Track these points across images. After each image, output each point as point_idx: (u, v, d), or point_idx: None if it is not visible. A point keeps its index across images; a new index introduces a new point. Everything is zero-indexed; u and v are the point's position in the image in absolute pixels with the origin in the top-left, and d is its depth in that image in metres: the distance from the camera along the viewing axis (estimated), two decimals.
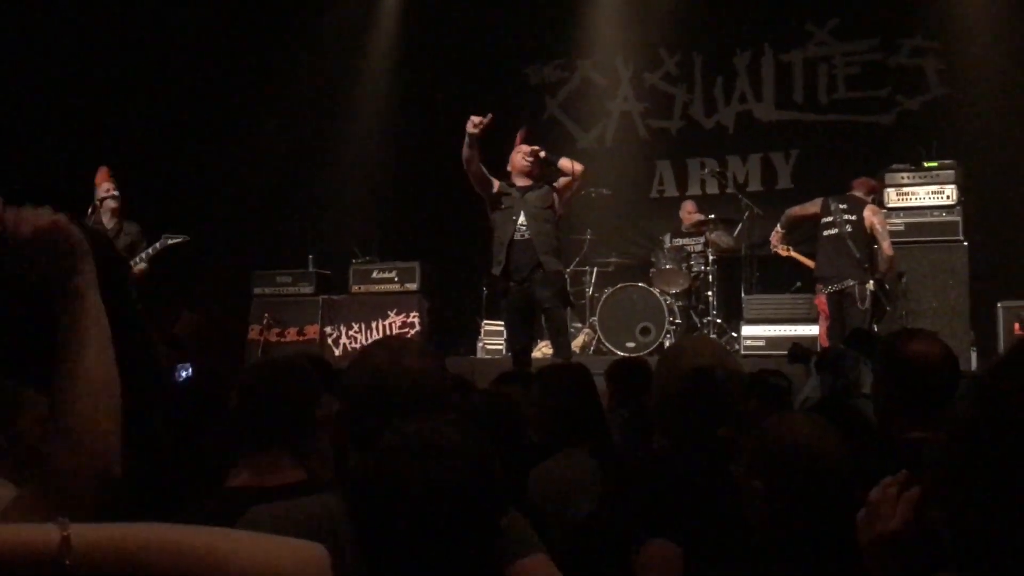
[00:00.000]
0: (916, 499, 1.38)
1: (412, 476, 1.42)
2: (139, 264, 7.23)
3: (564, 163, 6.90)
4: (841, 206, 7.96)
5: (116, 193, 7.47)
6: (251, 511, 1.77)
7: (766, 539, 2.13)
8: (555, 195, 6.92)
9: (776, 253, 8.72)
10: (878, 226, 7.87)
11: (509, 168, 7.00)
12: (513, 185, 6.94)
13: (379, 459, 1.47)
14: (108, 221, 7.46)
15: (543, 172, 6.93)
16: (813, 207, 8.20)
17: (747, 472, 2.16)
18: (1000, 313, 8.08)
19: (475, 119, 6.56)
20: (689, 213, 9.97)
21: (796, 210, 8.46)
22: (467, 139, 6.61)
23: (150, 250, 7.30)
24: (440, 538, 1.42)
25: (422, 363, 2.01)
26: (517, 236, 6.81)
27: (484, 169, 6.89)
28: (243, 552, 1.06)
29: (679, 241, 9.79)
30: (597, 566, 2.41)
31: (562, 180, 6.94)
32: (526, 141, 7.16)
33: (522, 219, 6.83)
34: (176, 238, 7.32)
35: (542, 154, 6.88)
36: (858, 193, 8.11)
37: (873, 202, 8.18)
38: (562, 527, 2.67)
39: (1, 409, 1.47)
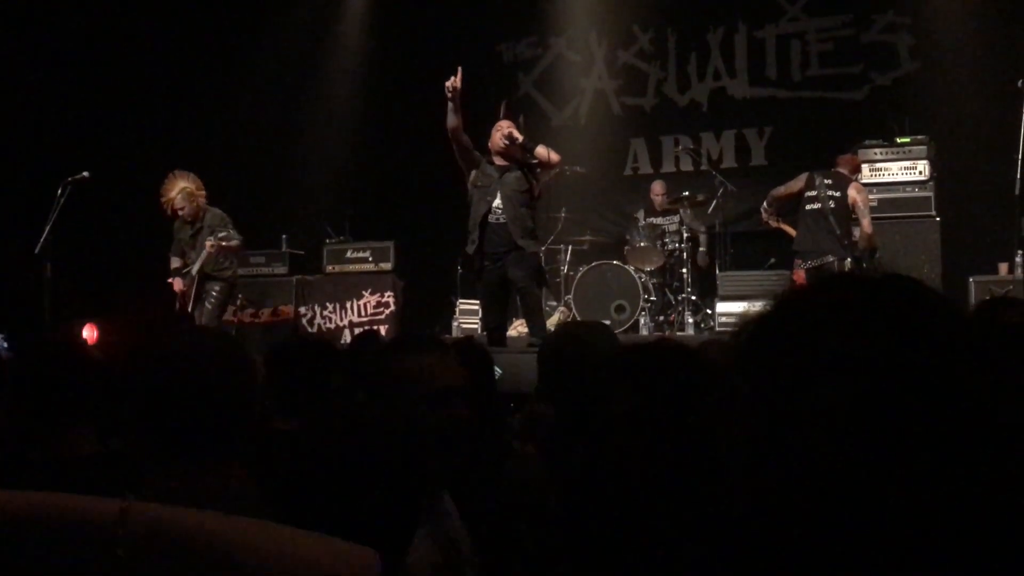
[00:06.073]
0: None
1: (335, 452, 1.42)
2: (232, 240, 7.92)
3: (540, 151, 6.88)
4: (826, 181, 7.97)
5: (177, 207, 8.01)
6: None
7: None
8: (532, 177, 6.92)
9: (767, 224, 8.75)
10: (860, 204, 7.89)
11: (489, 146, 6.99)
12: (492, 163, 6.94)
13: (307, 435, 1.48)
14: (186, 224, 8.10)
15: (519, 155, 6.92)
16: (797, 183, 8.21)
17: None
18: (972, 287, 8.15)
19: (448, 83, 6.58)
20: (657, 195, 9.98)
21: (780, 190, 8.47)
22: (448, 106, 6.62)
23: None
24: (362, 514, 1.41)
25: (218, 345, 1.79)
26: (492, 219, 6.85)
27: (469, 141, 6.90)
28: (293, 551, 1.08)
29: (653, 220, 9.81)
30: None
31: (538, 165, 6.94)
32: (507, 116, 7.14)
33: (498, 201, 6.85)
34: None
35: (519, 139, 6.86)
36: (843, 170, 8.13)
37: (856, 180, 8.22)
38: None
39: None
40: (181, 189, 7.96)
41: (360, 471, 1.41)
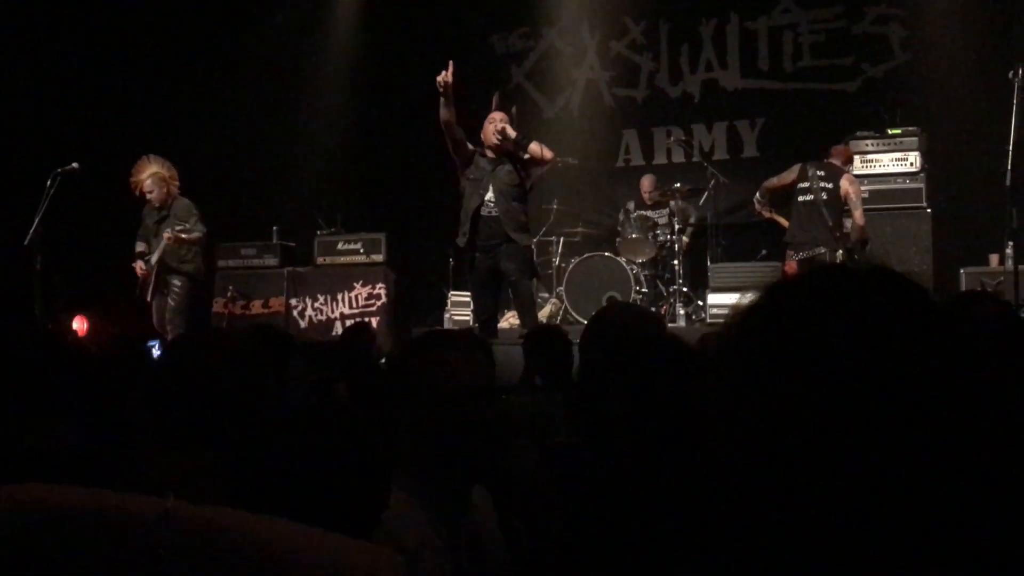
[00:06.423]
0: None
1: (289, 442, 1.48)
2: (192, 232, 7.93)
3: (533, 148, 6.88)
4: (819, 173, 7.98)
5: (146, 190, 8.03)
6: None
7: None
8: (524, 171, 6.92)
9: (759, 215, 8.75)
10: (853, 196, 7.91)
11: (482, 137, 6.98)
12: (485, 156, 6.93)
13: (265, 425, 1.57)
14: (154, 210, 8.11)
15: (512, 148, 6.91)
16: (790, 175, 8.21)
17: None
18: (963, 279, 8.16)
19: (440, 78, 6.55)
20: (646, 191, 9.96)
21: (773, 181, 8.47)
22: (441, 100, 6.59)
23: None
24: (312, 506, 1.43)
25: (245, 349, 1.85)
26: (484, 212, 6.85)
27: (463, 133, 6.88)
28: (329, 554, 1.14)
29: (644, 212, 9.81)
30: None
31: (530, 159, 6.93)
32: (500, 108, 7.13)
33: (490, 194, 6.85)
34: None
35: (512, 135, 6.85)
36: (836, 161, 8.14)
37: (849, 171, 8.23)
38: None
39: None
40: (152, 173, 7.94)
41: (313, 464, 1.41)
